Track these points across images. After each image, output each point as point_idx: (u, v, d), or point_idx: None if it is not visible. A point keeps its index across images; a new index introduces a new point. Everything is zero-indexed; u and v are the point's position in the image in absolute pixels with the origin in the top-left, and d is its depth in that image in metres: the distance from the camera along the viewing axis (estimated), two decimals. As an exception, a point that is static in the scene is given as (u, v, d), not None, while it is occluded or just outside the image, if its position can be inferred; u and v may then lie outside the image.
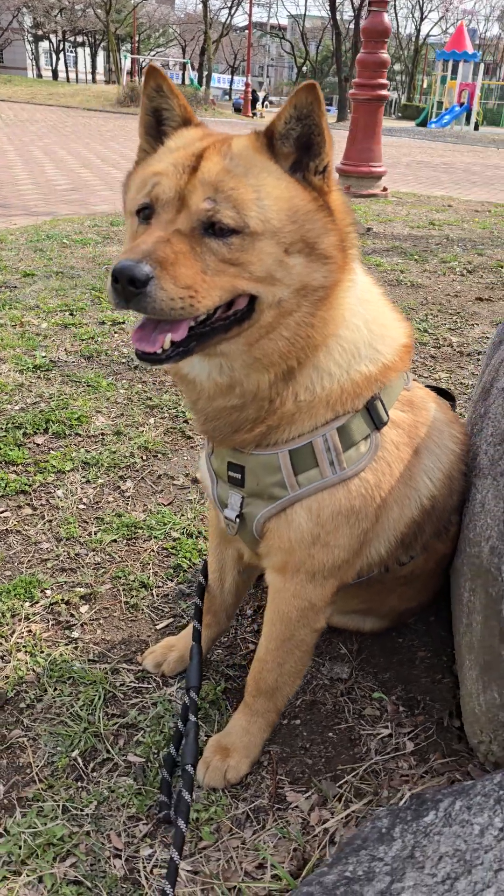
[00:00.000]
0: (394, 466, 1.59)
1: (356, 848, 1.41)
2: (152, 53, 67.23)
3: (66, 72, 68.49)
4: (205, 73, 50.71)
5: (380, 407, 1.54)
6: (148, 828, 1.66)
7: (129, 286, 1.21)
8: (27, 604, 2.28)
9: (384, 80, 9.87)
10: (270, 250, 1.32)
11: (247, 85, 38.68)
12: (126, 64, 49.47)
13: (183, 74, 45.14)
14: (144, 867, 1.58)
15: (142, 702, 1.96)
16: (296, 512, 1.53)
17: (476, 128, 35.60)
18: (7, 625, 2.20)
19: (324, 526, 1.53)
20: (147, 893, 1.52)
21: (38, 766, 1.79)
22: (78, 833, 1.63)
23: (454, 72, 34.16)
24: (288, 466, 1.52)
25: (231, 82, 72.04)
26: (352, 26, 41.70)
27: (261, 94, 44.88)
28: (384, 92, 9.99)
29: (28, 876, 1.55)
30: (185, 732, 1.73)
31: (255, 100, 39.99)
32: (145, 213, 1.36)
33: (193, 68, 54.24)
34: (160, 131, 1.52)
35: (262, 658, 1.74)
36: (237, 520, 1.65)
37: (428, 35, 68.20)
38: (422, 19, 71.28)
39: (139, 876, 1.56)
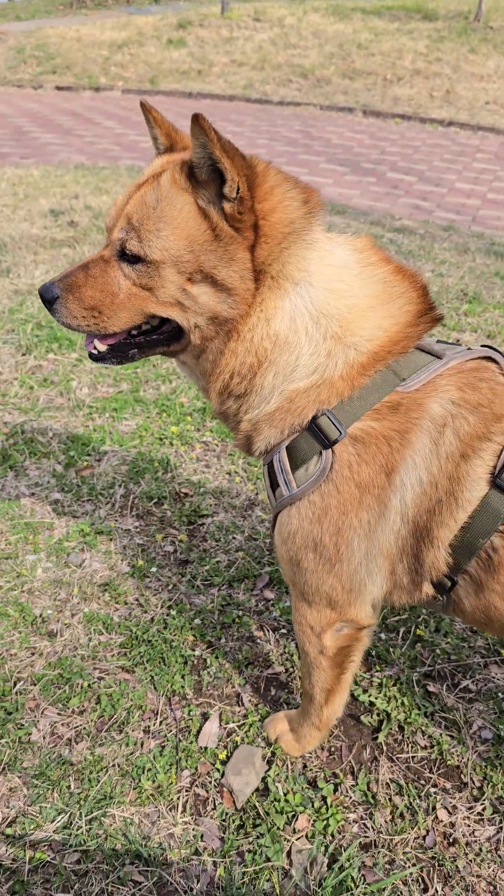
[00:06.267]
0: (342, 488, 1.40)
1: None
2: None
3: None
4: None
5: (326, 423, 1.40)
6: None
7: (44, 304, 1.48)
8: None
9: None
10: (173, 279, 1.39)
11: None
12: None
13: None
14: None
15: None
16: (275, 526, 1.55)
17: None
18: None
19: (285, 543, 1.51)
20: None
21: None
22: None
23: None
24: (266, 479, 1.56)
25: None
26: None
27: None
28: None
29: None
30: None
31: None
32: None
33: None
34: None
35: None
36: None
37: None
38: None
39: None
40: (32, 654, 2.17)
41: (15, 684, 2.07)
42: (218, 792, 1.83)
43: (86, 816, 1.74)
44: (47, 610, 2.31)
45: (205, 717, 2.01)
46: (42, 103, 12.91)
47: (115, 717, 1.99)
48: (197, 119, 1.25)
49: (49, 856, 1.67)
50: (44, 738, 1.93)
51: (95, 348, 1.56)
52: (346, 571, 1.48)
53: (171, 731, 1.97)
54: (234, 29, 15.44)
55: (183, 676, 2.11)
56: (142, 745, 1.93)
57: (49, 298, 1.48)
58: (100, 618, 2.29)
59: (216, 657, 2.18)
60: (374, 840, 1.74)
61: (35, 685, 2.07)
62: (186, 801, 1.81)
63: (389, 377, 1.40)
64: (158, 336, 1.53)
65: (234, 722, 2.00)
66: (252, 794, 1.82)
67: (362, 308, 1.42)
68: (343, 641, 1.62)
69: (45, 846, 1.69)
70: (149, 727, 1.97)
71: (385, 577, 1.48)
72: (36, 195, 6.43)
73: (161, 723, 1.99)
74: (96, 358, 1.57)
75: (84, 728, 1.96)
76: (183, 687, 2.08)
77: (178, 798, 1.81)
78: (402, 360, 1.41)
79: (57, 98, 13.53)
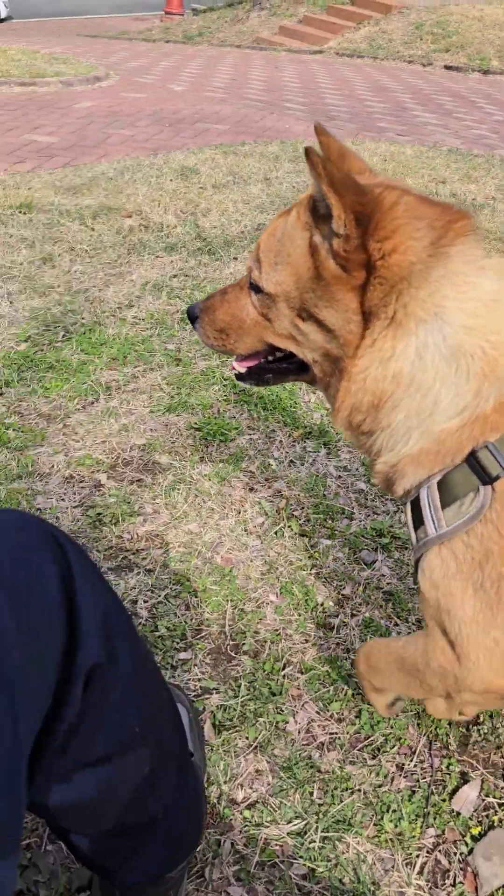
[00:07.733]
0: None
1: None
2: None
3: None
4: None
5: (486, 457, 1.22)
6: None
7: (191, 323, 1.63)
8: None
9: None
10: (286, 313, 1.40)
11: None
12: None
13: None
14: None
15: None
16: (419, 568, 1.37)
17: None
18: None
19: (436, 587, 1.32)
20: None
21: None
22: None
23: None
24: (408, 519, 1.38)
25: None
26: None
27: None
28: None
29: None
30: None
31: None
32: None
33: None
34: None
35: None
36: None
37: None
38: None
39: None
40: (306, 641, 2.13)
41: (284, 666, 2.05)
42: (461, 869, 1.65)
43: (321, 832, 1.67)
44: (329, 601, 2.27)
45: (464, 777, 1.82)
46: (428, 81, 12.76)
47: (372, 739, 1.89)
48: (307, 153, 1.19)
49: (278, 857, 1.63)
50: (299, 731, 1.89)
51: (235, 369, 1.65)
52: None
53: (424, 777, 1.82)
54: None
55: (450, 724, 1.94)
56: (392, 780, 1.80)
57: (192, 318, 1.63)
58: (378, 627, 2.18)
59: (490, 716, 1.96)
60: None
61: (303, 674, 2.03)
62: (425, 864, 1.65)
63: None
64: (289, 365, 1.56)
65: (495, 797, 1.79)
66: (499, 888, 1.61)
67: None
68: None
69: (276, 844, 1.65)
70: (403, 764, 1.84)
71: None
72: (405, 173, 6.35)
73: (416, 764, 1.84)
74: (238, 377, 1.67)
75: (339, 738, 1.88)
76: (448, 735, 1.91)
77: (418, 857, 1.66)
78: None
79: (443, 77, 13.27)
